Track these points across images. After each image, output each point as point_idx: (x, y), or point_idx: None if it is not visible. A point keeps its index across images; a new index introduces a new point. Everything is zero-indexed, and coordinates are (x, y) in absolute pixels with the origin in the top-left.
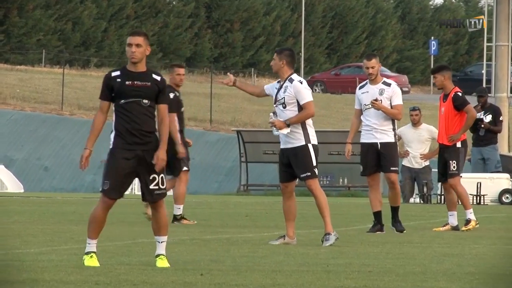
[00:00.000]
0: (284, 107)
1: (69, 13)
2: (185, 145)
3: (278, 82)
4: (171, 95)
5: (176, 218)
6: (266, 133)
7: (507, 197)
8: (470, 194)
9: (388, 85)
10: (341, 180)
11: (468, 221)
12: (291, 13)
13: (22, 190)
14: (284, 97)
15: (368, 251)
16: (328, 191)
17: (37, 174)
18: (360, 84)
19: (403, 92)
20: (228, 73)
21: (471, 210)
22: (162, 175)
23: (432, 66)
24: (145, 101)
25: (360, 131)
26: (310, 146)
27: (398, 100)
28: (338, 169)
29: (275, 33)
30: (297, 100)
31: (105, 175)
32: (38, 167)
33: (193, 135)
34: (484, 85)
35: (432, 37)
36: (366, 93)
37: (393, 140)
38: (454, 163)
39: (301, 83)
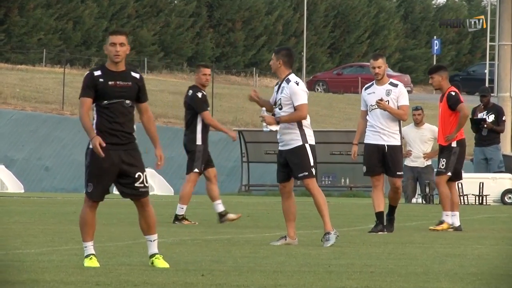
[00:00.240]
0: (281, 109)
1: (70, 12)
2: (206, 149)
3: (277, 84)
4: (199, 94)
5: (177, 218)
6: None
7: (510, 197)
8: (472, 195)
9: (395, 85)
10: (343, 180)
11: (441, 222)
12: (293, 13)
13: (23, 190)
14: (280, 98)
15: (370, 251)
16: (330, 191)
17: (37, 174)
18: (366, 85)
19: None
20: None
21: (449, 213)
22: (145, 173)
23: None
24: (128, 101)
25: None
26: (307, 146)
27: (404, 100)
28: (340, 169)
29: (277, 32)
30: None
31: (88, 177)
32: (39, 167)
33: None
34: (487, 85)
35: (435, 37)
36: (373, 94)
37: (399, 143)
38: (443, 161)
39: (298, 84)
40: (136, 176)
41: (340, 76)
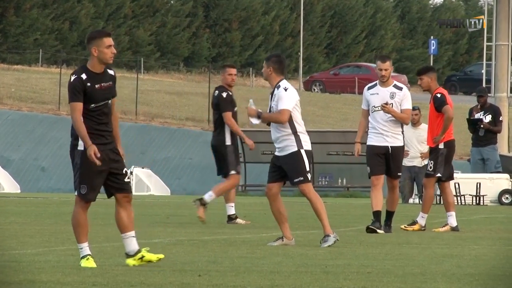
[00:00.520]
0: None
1: (66, 12)
2: (237, 148)
3: (271, 94)
4: (224, 95)
5: (231, 218)
6: (265, 133)
7: (507, 198)
8: (469, 195)
9: (400, 88)
10: (339, 180)
11: (414, 222)
12: (290, 12)
13: (19, 191)
14: (272, 106)
15: (367, 252)
16: (327, 191)
17: (34, 175)
18: (369, 85)
19: None
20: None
21: (425, 215)
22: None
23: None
24: (109, 102)
25: (366, 132)
26: (302, 151)
27: (407, 104)
28: (337, 170)
29: (273, 32)
30: None
31: (81, 178)
32: (35, 167)
33: (191, 135)
34: (484, 85)
35: (432, 37)
36: (376, 94)
37: (402, 144)
38: (431, 163)
39: (286, 90)
40: (124, 171)
41: (337, 76)
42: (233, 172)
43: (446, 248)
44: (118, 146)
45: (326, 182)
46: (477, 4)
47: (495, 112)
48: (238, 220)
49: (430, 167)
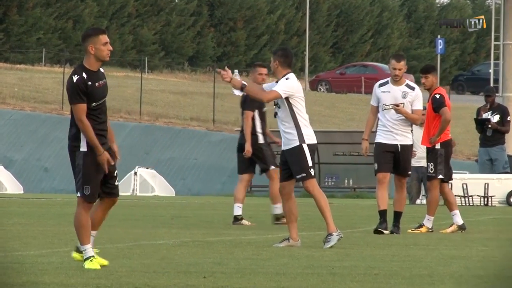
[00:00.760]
0: (279, 107)
1: (70, 11)
2: (268, 145)
3: (276, 82)
4: None
5: (277, 218)
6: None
7: None
8: (477, 196)
9: (412, 88)
10: (346, 181)
11: (421, 225)
12: (296, 12)
13: (22, 191)
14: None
15: (374, 253)
16: (333, 192)
17: (37, 175)
18: (380, 82)
19: None
20: (226, 68)
21: (431, 218)
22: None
23: (439, 65)
24: (105, 99)
25: (374, 130)
26: (304, 146)
27: (419, 105)
28: (343, 170)
29: (279, 31)
30: (285, 99)
31: (84, 179)
32: (38, 168)
33: (196, 135)
34: (491, 85)
35: (439, 36)
36: (387, 92)
37: (411, 142)
38: (431, 165)
39: (287, 79)
40: (115, 174)
41: (343, 75)
42: (272, 167)
43: (454, 250)
44: (113, 143)
45: (333, 183)
46: (484, 3)
47: (503, 112)
48: (244, 222)
49: (431, 169)
